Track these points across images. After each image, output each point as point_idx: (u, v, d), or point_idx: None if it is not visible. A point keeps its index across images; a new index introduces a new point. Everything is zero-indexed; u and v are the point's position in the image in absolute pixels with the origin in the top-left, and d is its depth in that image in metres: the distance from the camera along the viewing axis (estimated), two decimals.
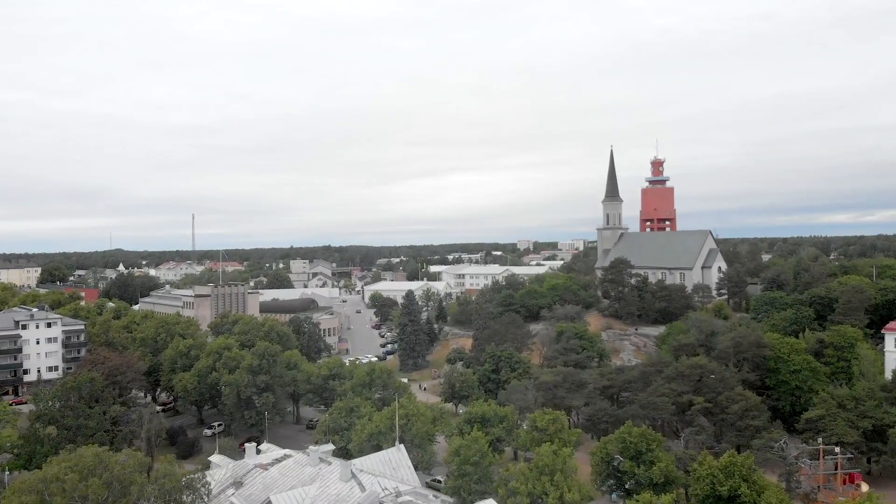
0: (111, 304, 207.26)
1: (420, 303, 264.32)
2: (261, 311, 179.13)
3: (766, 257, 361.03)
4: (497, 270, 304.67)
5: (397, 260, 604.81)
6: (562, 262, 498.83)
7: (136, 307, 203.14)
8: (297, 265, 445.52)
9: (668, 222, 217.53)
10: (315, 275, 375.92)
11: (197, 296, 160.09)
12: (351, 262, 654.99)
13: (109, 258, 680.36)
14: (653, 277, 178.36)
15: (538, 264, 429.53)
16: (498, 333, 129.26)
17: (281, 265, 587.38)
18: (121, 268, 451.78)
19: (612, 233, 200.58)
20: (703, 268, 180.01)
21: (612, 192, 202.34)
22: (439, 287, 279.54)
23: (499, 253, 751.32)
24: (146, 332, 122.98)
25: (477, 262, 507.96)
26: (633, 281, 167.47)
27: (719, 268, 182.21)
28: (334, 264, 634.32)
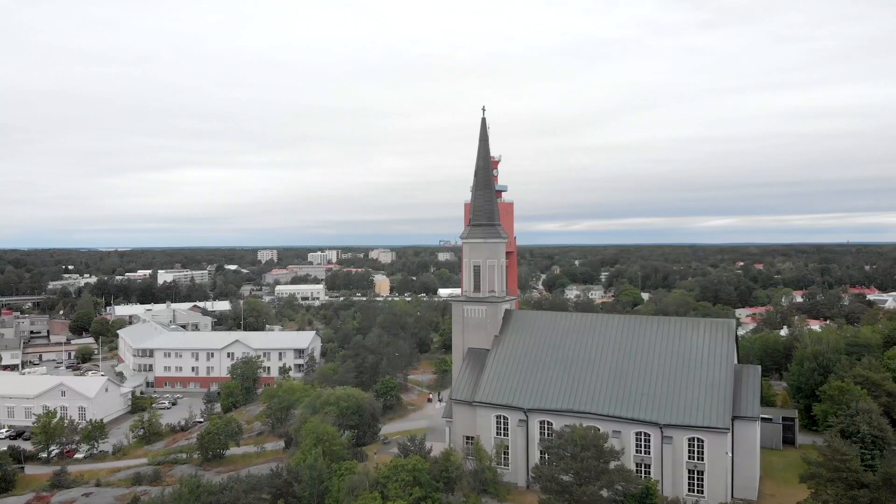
0: None
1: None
2: None
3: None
4: (218, 342, 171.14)
5: (83, 282, 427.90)
6: (319, 293, 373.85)
7: None
8: None
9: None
10: None
11: None
12: (17, 288, 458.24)
13: None
14: (619, 443, 65.61)
15: (288, 309, 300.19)
16: None
17: None
18: None
19: (491, 309, 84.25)
20: (735, 418, 71.41)
21: (489, 216, 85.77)
22: (90, 390, 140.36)
23: (233, 267, 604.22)
24: None
25: (195, 295, 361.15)
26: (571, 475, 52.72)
27: (791, 422, 75.70)
28: None
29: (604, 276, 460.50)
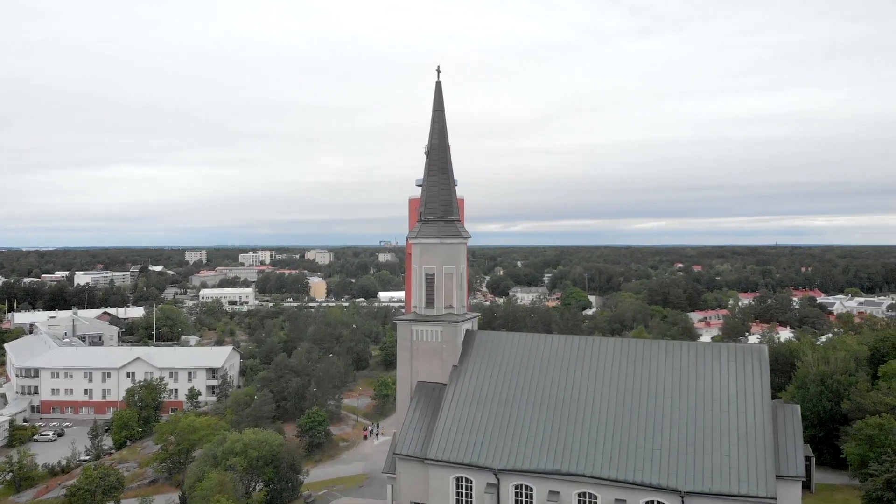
0: None
1: None
2: None
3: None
4: (116, 360, 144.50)
5: None
6: (248, 297, 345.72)
7: None
8: None
9: None
10: None
11: None
12: None
13: None
14: None
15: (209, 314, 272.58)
16: None
17: None
18: None
19: (449, 330, 64.38)
20: (779, 477, 54.11)
21: (445, 209, 66.14)
22: None
23: (158, 268, 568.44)
24: None
25: (112, 300, 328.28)
26: None
27: (807, 462, 58.59)
28: None
29: (547, 277, 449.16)
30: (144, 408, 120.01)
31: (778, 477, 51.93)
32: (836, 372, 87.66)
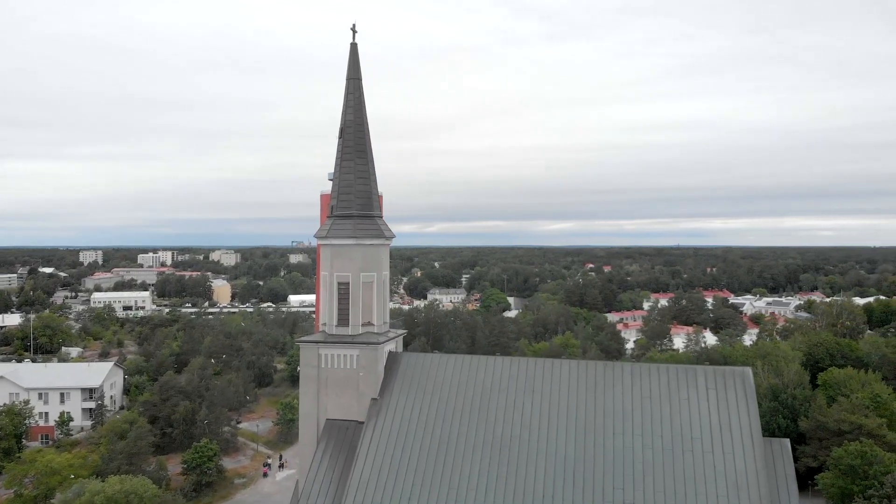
0: None
1: None
2: None
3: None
4: None
5: None
6: (144, 301, 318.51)
7: None
8: None
9: None
10: None
11: None
12: None
13: None
14: None
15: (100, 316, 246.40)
16: None
17: None
18: None
19: (367, 354, 51.72)
20: None
21: (364, 202, 53.46)
22: None
23: (50, 270, 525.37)
24: None
25: None
26: None
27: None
28: None
29: (465, 278, 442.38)
30: (4, 437, 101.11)
31: None
32: (789, 385, 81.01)
